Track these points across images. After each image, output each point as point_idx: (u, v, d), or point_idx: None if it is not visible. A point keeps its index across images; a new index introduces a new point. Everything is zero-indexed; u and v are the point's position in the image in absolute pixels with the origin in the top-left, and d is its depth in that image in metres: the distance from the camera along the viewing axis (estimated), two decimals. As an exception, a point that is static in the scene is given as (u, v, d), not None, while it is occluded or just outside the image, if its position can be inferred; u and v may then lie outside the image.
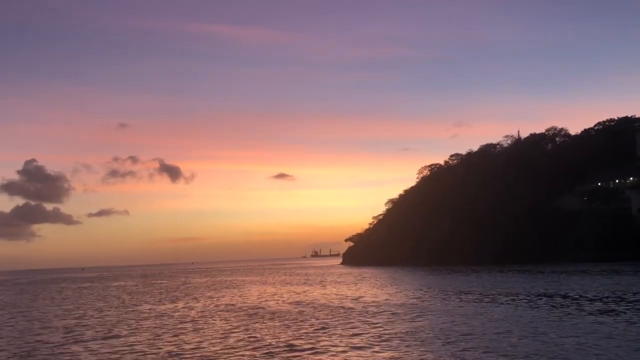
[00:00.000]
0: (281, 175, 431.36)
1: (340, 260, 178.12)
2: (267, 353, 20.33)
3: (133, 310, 40.24)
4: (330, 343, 22.02)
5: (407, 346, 20.31)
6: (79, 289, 78.58)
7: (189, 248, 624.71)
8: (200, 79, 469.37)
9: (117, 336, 26.70)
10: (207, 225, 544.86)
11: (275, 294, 50.55)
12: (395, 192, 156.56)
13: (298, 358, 19.33)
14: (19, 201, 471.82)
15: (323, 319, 30.09)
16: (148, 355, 21.03)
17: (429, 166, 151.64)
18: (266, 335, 24.95)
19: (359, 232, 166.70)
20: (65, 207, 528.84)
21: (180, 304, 44.10)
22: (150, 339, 25.11)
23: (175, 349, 22.08)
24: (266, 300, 43.93)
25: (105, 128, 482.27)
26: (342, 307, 35.73)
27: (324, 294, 48.44)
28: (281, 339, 23.35)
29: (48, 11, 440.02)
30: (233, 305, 41.32)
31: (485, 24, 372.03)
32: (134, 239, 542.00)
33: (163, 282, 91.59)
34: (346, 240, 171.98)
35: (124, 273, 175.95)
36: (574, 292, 38.45)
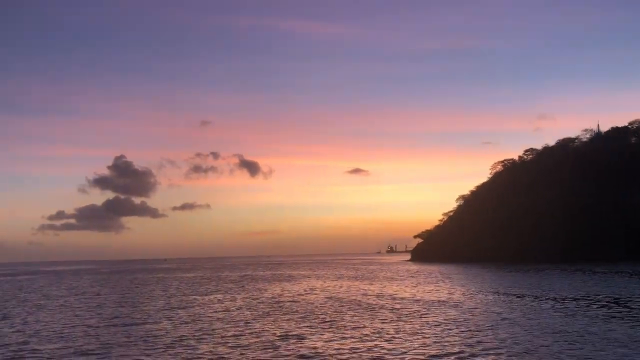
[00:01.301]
0: (357, 170, 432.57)
1: (409, 256, 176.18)
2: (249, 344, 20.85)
3: (180, 299, 42.22)
4: (317, 339, 22.23)
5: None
6: (150, 279, 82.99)
7: (267, 241, 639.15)
8: (278, 75, 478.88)
9: (137, 323, 28.28)
10: (285, 219, 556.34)
11: (316, 289, 51.31)
12: (472, 187, 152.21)
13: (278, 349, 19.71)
14: (110, 195, 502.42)
15: (333, 313, 30.28)
16: (161, 338, 22.16)
17: (502, 161, 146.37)
18: (268, 327, 25.53)
19: (429, 228, 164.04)
20: (152, 201, 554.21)
21: (225, 295, 45.71)
22: (168, 327, 26.46)
23: (182, 335, 23.14)
24: (303, 294, 44.77)
25: (188, 125, 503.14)
26: (366, 304, 35.67)
27: (363, 289, 48.46)
28: (280, 332, 23.84)
29: (134, 12, 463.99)
30: (271, 297, 42.40)
31: (570, 13, 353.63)
32: (215, 232, 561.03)
33: (229, 274, 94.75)
34: (415, 237, 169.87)
35: (199, 265, 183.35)
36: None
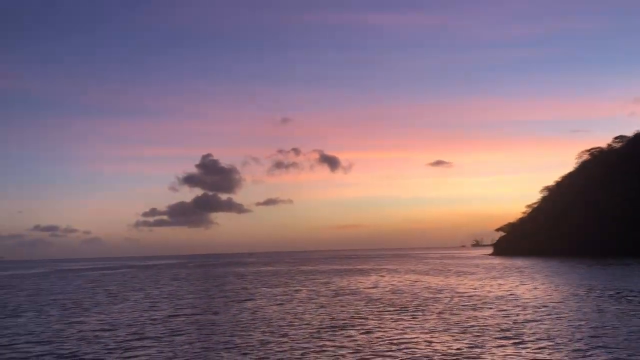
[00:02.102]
0: (439, 162, 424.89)
1: (491, 250, 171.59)
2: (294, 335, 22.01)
3: (250, 291, 44.46)
4: (358, 331, 23.03)
5: None
6: (229, 272, 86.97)
7: (349, 235, 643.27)
8: (356, 69, 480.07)
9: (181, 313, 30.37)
10: (366, 213, 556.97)
11: (380, 282, 51.79)
12: (557, 178, 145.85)
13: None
14: (198, 192, 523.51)
15: (383, 306, 30.89)
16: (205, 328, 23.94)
17: (589, 150, 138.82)
18: (318, 317, 26.65)
19: (512, 221, 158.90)
20: (237, 197, 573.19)
21: (291, 288, 47.45)
22: (231, 314, 28.32)
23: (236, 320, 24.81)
24: (364, 288, 45.52)
25: (270, 123, 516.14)
26: (422, 298, 35.93)
27: (427, 283, 48.48)
28: (327, 323, 24.90)
29: (215, 13, 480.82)
30: (332, 290, 43.58)
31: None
32: (297, 226, 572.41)
33: (303, 268, 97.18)
34: (497, 230, 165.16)
35: (280, 259, 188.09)
36: None
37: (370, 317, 26.88)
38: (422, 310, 28.72)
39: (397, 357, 17.17)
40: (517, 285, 43.04)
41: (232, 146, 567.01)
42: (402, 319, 25.64)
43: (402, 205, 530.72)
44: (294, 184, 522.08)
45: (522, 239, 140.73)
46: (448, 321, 24.46)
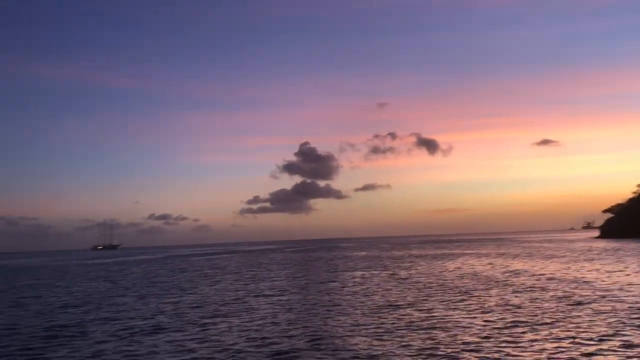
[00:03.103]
0: (545, 141, 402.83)
1: (598, 233, 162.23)
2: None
3: (332, 274, 46.92)
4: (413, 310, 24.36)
5: None
6: (322, 257, 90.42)
7: (448, 220, 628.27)
8: (452, 48, 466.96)
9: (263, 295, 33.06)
10: (467, 197, 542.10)
11: (464, 266, 52.05)
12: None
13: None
14: (297, 179, 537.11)
15: (450, 290, 31.76)
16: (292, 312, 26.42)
17: None
18: (384, 298, 28.27)
19: (621, 202, 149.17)
20: (335, 183, 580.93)
21: (373, 271, 49.27)
22: (308, 294, 30.78)
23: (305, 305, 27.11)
24: (447, 271, 46.19)
25: (365, 108, 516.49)
26: (497, 282, 36.27)
27: (511, 267, 48.20)
28: (391, 303, 26.50)
29: (310, 3, 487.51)
30: (412, 274, 44.81)
31: None
32: (395, 211, 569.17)
33: (395, 252, 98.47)
34: (604, 211, 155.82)
35: (376, 244, 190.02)
36: None
37: (426, 298, 28.17)
38: (480, 294, 29.49)
39: (426, 335, 18.56)
40: (599, 269, 41.93)
41: (328, 133, 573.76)
42: (457, 300, 26.72)
43: (506, 187, 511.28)
44: (391, 169, 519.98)
45: (632, 220, 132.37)
46: (501, 304, 25.22)
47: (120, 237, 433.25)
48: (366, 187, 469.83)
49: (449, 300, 26.91)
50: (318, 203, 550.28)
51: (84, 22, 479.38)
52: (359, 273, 48.33)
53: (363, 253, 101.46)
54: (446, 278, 39.67)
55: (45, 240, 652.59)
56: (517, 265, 50.77)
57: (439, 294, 29.67)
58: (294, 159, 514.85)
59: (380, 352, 16.00)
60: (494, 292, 29.85)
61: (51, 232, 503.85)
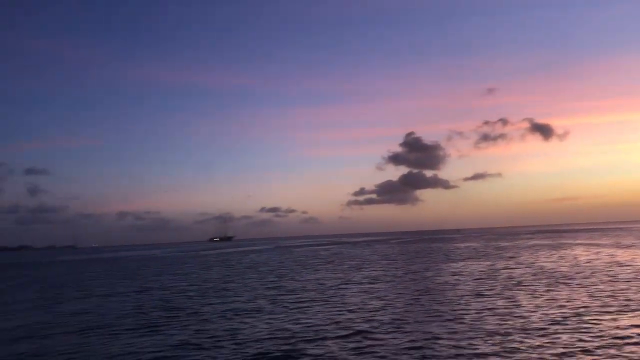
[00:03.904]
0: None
1: None
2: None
3: (429, 264, 47.82)
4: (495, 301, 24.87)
5: None
6: (428, 247, 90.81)
7: (565, 209, 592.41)
8: (563, 27, 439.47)
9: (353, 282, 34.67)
10: (584, 184, 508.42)
11: (565, 257, 50.45)
12: None
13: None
14: (403, 170, 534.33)
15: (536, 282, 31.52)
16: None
17: None
18: (467, 289, 28.92)
19: None
20: (443, 173, 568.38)
21: (474, 262, 49.40)
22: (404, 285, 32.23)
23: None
24: (544, 262, 45.27)
25: (474, 94, 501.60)
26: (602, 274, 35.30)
27: (618, 257, 46.12)
28: (471, 294, 27.17)
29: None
30: (509, 263, 44.49)
31: None
32: (507, 200, 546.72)
33: (503, 243, 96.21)
34: None
35: (485, 235, 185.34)
36: None
37: (514, 288, 28.50)
38: (572, 285, 29.24)
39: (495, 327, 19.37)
40: None
41: (434, 122, 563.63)
42: (542, 291, 26.86)
43: (630, 173, 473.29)
44: (502, 157, 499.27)
45: None
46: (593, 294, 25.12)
47: (234, 229, 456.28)
48: (476, 176, 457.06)
49: (535, 291, 27.16)
50: (425, 193, 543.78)
51: (201, 25, 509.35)
52: (457, 264, 48.72)
53: (468, 244, 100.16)
54: (544, 269, 39.19)
55: (166, 233, 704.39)
56: (625, 256, 48.45)
57: (528, 284, 29.84)
58: (399, 149, 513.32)
59: (445, 336, 17.24)
60: (588, 282, 29.48)
61: (172, 225, 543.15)
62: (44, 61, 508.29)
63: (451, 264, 48.37)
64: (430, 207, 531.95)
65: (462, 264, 48.54)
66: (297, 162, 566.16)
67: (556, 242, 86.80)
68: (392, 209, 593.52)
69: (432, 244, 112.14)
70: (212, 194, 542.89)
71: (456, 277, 36.23)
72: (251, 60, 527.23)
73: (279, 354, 15.87)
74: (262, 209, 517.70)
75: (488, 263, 47.74)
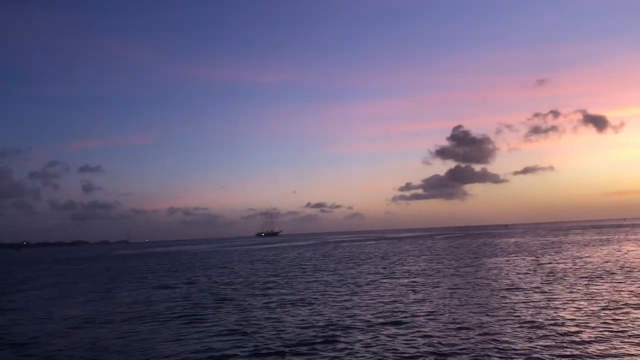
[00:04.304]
0: None
1: None
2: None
3: (469, 259, 47.81)
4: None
5: None
6: (473, 242, 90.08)
7: (620, 203, 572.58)
8: (618, 14, 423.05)
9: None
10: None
11: (609, 254, 49.36)
12: None
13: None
14: (451, 164, 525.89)
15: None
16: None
17: None
18: (497, 279, 29.01)
19: None
20: (492, 167, 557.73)
21: (516, 258, 49.06)
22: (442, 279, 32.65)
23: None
24: (583, 257, 44.50)
25: (523, 86, 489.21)
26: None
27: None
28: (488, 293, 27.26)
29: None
30: (550, 258, 43.99)
31: None
32: (559, 195, 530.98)
33: (551, 238, 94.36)
34: None
35: (532, 230, 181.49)
36: None
37: (554, 283, 28.46)
38: (612, 281, 28.96)
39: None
40: None
41: (483, 115, 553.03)
42: (581, 285, 26.76)
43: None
44: (554, 150, 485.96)
45: None
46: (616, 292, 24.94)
47: (280, 224, 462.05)
48: (526, 170, 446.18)
49: (573, 285, 27.13)
50: (474, 188, 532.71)
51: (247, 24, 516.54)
52: (500, 259, 48.53)
53: (515, 239, 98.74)
54: (588, 264, 38.71)
55: (214, 229, 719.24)
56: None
57: (569, 279, 29.76)
58: (446, 143, 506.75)
59: (475, 326, 17.73)
60: (632, 278, 29.15)
61: (220, 221, 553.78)
62: (97, 63, 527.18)
63: (493, 259, 48.21)
64: (479, 202, 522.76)
65: (504, 258, 48.31)
66: (342, 158, 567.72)
67: (607, 238, 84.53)
68: (439, 204, 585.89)
69: (478, 239, 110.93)
70: (259, 190, 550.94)
71: (495, 271, 36.33)
72: (294, 57, 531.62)
73: (317, 340, 16.77)
74: (308, 205, 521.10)
75: (531, 258, 47.37)
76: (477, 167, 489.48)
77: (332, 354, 15.05)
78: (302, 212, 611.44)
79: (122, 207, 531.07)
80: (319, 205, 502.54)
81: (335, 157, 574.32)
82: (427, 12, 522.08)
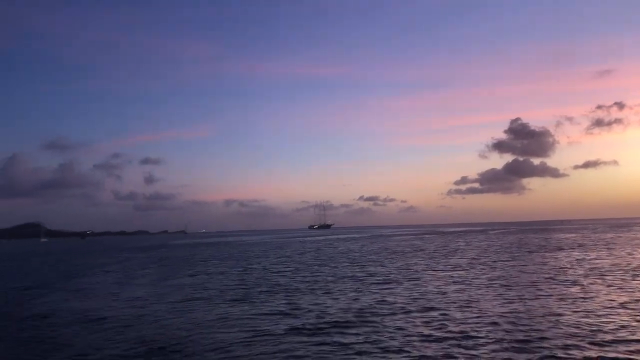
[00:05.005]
0: None
1: None
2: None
3: (516, 254, 48.03)
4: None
5: None
6: (518, 238, 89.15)
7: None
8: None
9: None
10: None
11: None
12: None
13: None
14: (509, 158, 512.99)
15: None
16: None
17: None
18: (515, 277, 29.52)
19: None
20: (551, 161, 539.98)
21: (559, 254, 48.86)
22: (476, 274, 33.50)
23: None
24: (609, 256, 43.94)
25: (585, 77, 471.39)
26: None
27: None
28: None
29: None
30: (598, 256, 43.65)
31: None
32: (623, 190, 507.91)
33: (603, 235, 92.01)
34: None
35: (590, 226, 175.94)
36: None
37: (589, 277, 28.84)
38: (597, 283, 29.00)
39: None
40: None
41: (542, 107, 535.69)
42: (618, 280, 27.07)
43: None
44: (618, 143, 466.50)
45: None
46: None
47: (333, 217, 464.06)
48: (588, 164, 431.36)
49: (614, 281, 27.49)
50: (532, 182, 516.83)
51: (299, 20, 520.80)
52: (548, 254, 48.52)
53: (569, 235, 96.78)
54: (630, 261, 38.46)
55: (268, 220, 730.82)
56: None
57: (612, 275, 29.99)
58: (503, 136, 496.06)
59: (508, 315, 18.80)
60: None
61: (274, 213, 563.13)
62: (159, 59, 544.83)
63: (541, 254, 48.18)
64: (538, 196, 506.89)
65: (552, 254, 48.21)
66: (396, 151, 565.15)
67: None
68: (496, 199, 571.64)
69: (531, 235, 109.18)
70: (312, 183, 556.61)
71: (539, 266, 36.69)
72: (350, 50, 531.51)
73: (353, 321, 18.33)
74: (361, 198, 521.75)
75: (579, 253, 47.14)
76: (536, 161, 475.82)
77: (367, 332, 16.55)
78: (355, 205, 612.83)
79: (180, 198, 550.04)
80: (372, 198, 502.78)
81: (389, 150, 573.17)
82: (484, 3, 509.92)
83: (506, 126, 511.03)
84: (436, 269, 37.28)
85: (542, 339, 15.04)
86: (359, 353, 14.17)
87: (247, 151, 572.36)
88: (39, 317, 21.66)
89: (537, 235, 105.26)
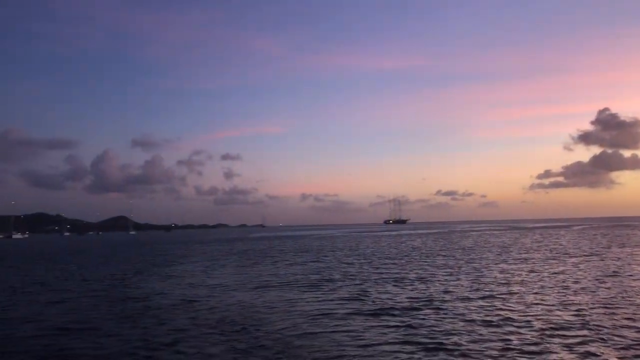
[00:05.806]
0: None
1: None
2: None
3: (591, 248, 47.43)
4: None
5: None
6: (612, 233, 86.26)
7: None
8: None
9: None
10: None
11: None
12: None
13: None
14: (596, 150, 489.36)
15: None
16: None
17: None
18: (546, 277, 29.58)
19: None
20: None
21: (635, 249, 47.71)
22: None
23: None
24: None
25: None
26: None
27: None
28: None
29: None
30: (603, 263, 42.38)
31: None
32: None
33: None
34: None
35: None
36: None
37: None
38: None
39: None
40: None
41: (633, 96, 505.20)
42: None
43: None
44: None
45: None
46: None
47: (409, 212, 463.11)
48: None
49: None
50: (622, 176, 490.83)
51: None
52: (616, 249, 47.64)
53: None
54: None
55: (343, 215, 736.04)
56: None
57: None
58: (590, 127, 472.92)
59: (534, 315, 19.82)
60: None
61: (348, 207, 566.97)
62: (239, 57, 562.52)
63: (613, 250, 47.29)
64: (628, 191, 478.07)
65: (621, 249, 47.18)
66: (475, 144, 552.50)
67: None
68: (582, 193, 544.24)
69: (616, 230, 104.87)
70: (388, 178, 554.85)
71: (601, 262, 36.49)
72: (426, 41, 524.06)
73: (417, 306, 20.08)
74: (438, 192, 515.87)
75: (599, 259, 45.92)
76: (627, 153, 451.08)
77: (426, 315, 18.22)
78: (432, 200, 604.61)
79: (258, 193, 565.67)
80: (450, 193, 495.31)
81: (468, 143, 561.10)
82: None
83: (593, 117, 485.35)
84: (505, 262, 37.89)
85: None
86: (423, 335, 15.88)
87: (322, 146, 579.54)
88: (140, 299, 24.90)
89: (622, 231, 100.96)
